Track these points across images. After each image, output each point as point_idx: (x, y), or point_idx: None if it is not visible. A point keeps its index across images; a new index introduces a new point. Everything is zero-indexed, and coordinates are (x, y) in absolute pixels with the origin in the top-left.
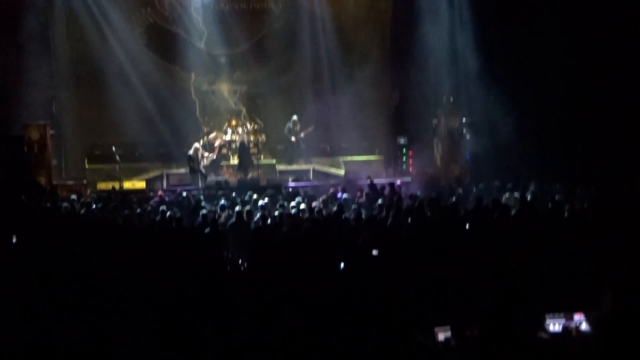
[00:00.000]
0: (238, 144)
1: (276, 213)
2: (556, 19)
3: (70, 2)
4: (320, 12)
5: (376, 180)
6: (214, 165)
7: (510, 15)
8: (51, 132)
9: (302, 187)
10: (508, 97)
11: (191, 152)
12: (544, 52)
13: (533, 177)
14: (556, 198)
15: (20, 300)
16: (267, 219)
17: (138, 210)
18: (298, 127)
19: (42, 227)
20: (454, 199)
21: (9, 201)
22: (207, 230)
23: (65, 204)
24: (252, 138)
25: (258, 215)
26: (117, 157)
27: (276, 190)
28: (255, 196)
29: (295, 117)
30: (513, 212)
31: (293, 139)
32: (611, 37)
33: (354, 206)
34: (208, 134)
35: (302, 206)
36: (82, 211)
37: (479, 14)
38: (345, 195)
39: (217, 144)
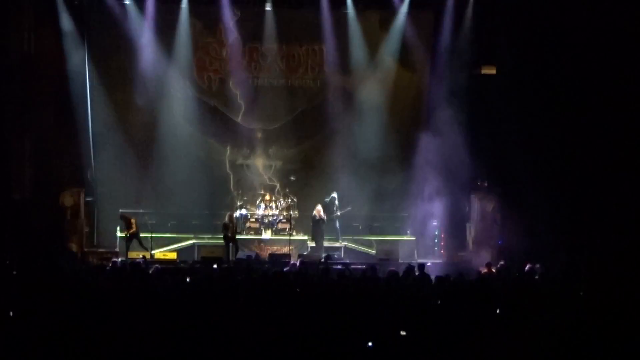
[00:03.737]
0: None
1: None
2: (589, 97)
3: (108, 72)
4: (357, 91)
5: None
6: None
7: (542, 93)
8: (85, 198)
9: (334, 264)
10: (543, 181)
11: (226, 220)
12: (572, 135)
13: (568, 258)
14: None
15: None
16: None
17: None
18: (335, 205)
19: (70, 292)
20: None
21: (41, 266)
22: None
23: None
24: (285, 213)
25: None
26: (149, 227)
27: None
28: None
29: (334, 195)
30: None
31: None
32: None
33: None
34: (241, 207)
35: None
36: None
37: (507, 94)
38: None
39: (133, 220)
